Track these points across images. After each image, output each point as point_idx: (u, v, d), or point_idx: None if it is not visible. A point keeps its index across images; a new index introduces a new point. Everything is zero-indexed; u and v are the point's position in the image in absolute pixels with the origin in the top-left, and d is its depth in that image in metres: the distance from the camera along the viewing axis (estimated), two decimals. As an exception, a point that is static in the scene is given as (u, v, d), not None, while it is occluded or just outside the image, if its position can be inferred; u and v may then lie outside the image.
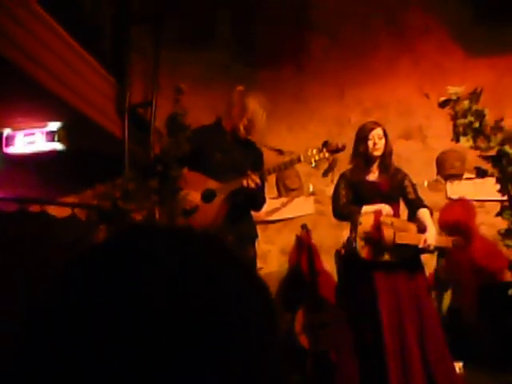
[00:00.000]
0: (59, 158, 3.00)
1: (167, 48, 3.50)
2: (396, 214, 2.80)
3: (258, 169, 2.69)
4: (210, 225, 2.59)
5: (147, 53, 3.17)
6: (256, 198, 2.71)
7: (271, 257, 4.20)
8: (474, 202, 4.02)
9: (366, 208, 2.73)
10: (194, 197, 2.62)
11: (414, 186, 2.84)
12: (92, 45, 2.85)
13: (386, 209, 2.72)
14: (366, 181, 2.84)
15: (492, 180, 2.20)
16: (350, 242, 2.77)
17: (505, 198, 2.13)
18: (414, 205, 2.79)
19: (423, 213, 2.74)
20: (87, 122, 2.75)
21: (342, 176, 2.92)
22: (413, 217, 2.78)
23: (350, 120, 4.39)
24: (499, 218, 2.11)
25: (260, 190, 2.67)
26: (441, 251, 2.97)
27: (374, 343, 2.58)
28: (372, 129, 2.82)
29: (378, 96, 4.37)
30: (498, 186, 1.94)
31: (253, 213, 2.89)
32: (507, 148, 1.87)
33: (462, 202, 3.91)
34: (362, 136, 2.84)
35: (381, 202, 2.75)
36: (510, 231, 1.85)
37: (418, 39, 4.40)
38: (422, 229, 2.67)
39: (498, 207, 2.60)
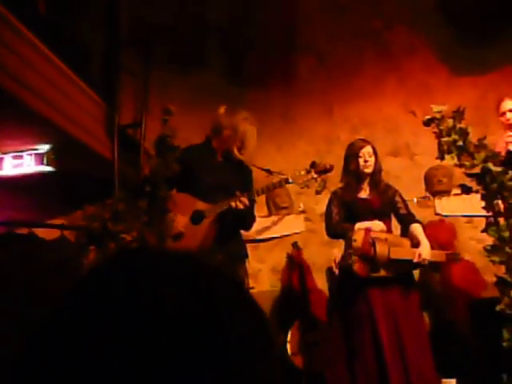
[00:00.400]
0: (48, 180, 2.99)
1: (157, 69, 3.54)
2: (389, 230, 2.83)
3: (248, 188, 2.71)
4: (199, 246, 2.58)
5: (137, 74, 3.20)
6: (245, 218, 2.71)
7: (262, 276, 4.19)
8: (461, 218, 4.06)
9: (359, 225, 2.75)
10: (181, 220, 2.61)
11: (404, 201, 2.88)
12: (81, 67, 2.87)
13: (379, 225, 2.75)
14: (357, 198, 2.87)
15: (477, 196, 2.24)
16: (344, 259, 2.80)
17: (490, 214, 2.16)
18: (406, 220, 2.83)
19: (415, 227, 2.77)
20: (76, 144, 2.76)
21: (334, 194, 2.94)
22: (405, 232, 2.81)
23: (339, 137, 4.44)
24: (481, 230, 2.14)
25: (249, 209, 2.68)
26: (435, 266, 3.00)
27: (375, 360, 2.59)
28: (362, 146, 2.86)
29: (365, 114, 4.44)
30: (483, 203, 1.97)
31: (243, 232, 2.90)
32: (490, 165, 1.91)
33: (442, 221, 3.96)
34: (352, 154, 2.88)
35: (373, 218, 2.78)
36: (495, 247, 1.87)
37: (404, 58, 4.50)
38: (415, 244, 2.70)
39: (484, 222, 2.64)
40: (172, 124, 2.79)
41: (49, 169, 2.83)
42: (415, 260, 2.63)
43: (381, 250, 2.66)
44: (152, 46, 3.31)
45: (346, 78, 4.45)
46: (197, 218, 2.62)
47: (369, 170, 2.84)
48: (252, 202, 2.70)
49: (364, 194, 2.89)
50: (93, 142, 2.89)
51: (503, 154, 2.53)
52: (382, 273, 2.67)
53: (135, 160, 3.05)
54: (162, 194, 2.38)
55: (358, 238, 2.70)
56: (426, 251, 2.64)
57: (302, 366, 3.36)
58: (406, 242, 2.73)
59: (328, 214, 2.92)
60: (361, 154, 2.84)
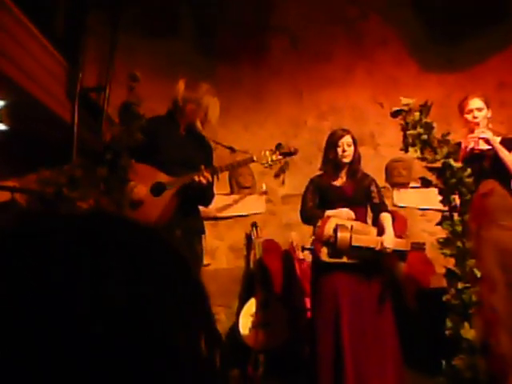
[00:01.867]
0: (1, 139, 2.83)
1: (125, 34, 3.40)
2: (361, 218, 2.90)
3: (209, 165, 2.69)
4: (158, 218, 2.55)
5: (104, 36, 3.05)
6: (205, 194, 2.70)
7: (220, 253, 4.18)
8: (417, 211, 4.20)
9: (328, 212, 2.82)
10: (142, 189, 2.57)
11: (379, 191, 2.97)
12: (44, 22, 2.70)
13: (347, 212, 2.82)
14: (332, 185, 2.94)
15: (435, 190, 2.30)
16: (312, 243, 2.88)
17: (446, 208, 2.23)
18: (377, 209, 2.91)
19: (384, 217, 2.86)
20: (34, 103, 2.61)
21: (312, 181, 3.02)
22: (376, 221, 2.90)
23: (306, 122, 4.45)
24: (439, 227, 2.21)
25: (210, 185, 2.66)
26: (401, 255, 3.09)
27: (335, 343, 2.67)
28: (341, 136, 2.92)
29: (333, 101, 4.46)
30: (441, 197, 2.03)
31: (202, 208, 2.88)
32: (451, 161, 1.96)
33: (395, 212, 4.08)
34: (332, 143, 2.94)
35: (345, 206, 2.85)
36: (448, 240, 1.94)
37: (376, 49, 4.53)
38: (381, 232, 2.78)
39: (438, 216, 2.72)
40: (138, 92, 2.69)
41: (2, 126, 2.67)
42: (377, 248, 2.70)
43: (342, 236, 2.72)
44: (121, 10, 3.17)
45: (318, 63, 4.44)
46: (157, 189, 2.59)
47: (347, 160, 2.91)
48: (213, 178, 2.70)
49: (340, 182, 2.95)
50: (52, 103, 2.75)
51: (467, 151, 2.61)
52: (345, 259, 2.74)
53: (96, 125, 2.93)
54: (123, 163, 2.31)
55: (322, 224, 2.76)
56: (388, 240, 2.73)
57: (252, 344, 3.41)
58: (373, 230, 2.81)
59: (303, 200, 2.99)
60: (340, 144, 2.90)
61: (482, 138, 2.80)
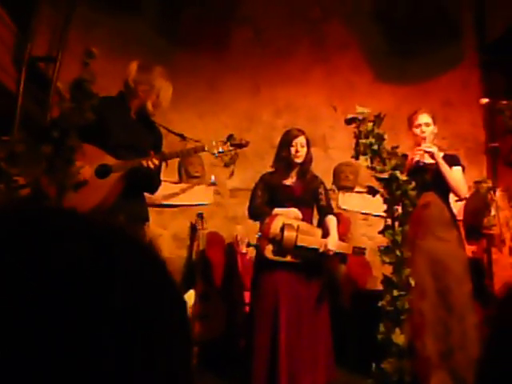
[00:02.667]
0: None
1: (83, 6, 3.23)
2: (308, 219, 2.94)
3: (158, 150, 2.64)
4: (101, 201, 2.47)
5: (60, 6, 2.89)
6: (152, 180, 2.65)
7: (162, 241, 4.12)
8: (359, 215, 4.35)
9: (276, 210, 2.84)
10: (87, 171, 2.47)
11: (327, 193, 3.02)
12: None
13: (295, 212, 2.86)
14: (281, 184, 2.96)
15: (378, 197, 2.39)
16: (258, 240, 2.90)
17: (387, 215, 2.32)
18: (324, 211, 2.97)
19: (329, 219, 2.92)
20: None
21: (262, 178, 3.03)
22: (322, 222, 2.95)
23: (261, 117, 4.46)
24: (379, 232, 2.31)
25: (157, 172, 2.61)
26: (342, 257, 3.18)
27: (271, 338, 2.70)
28: (296, 136, 2.94)
29: (290, 99, 4.50)
30: (385, 207, 2.11)
31: (148, 195, 2.83)
32: (398, 173, 2.04)
33: (339, 214, 4.21)
34: (286, 142, 2.95)
35: (293, 205, 2.88)
36: (388, 249, 2.03)
37: (335, 53, 4.61)
38: (326, 234, 2.84)
39: (379, 222, 2.83)
40: (93, 69, 2.57)
41: None
42: (321, 249, 2.77)
43: (288, 236, 2.75)
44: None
45: (278, 60, 4.46)
46: (103, 172, 2.50)
47: (299, 160, 2.93)
48: (161, 164, 2.65)
49: (290, 181, 2.98)
50: (-4, 70, 2.57)
51: (412, 163, 2.73)
52: (288, 258, 2.78)
53: (44, 99, 2.78)
54: (70, 143, 2.19)
55: (269, 222, 2.78)
56: (332, 242, 2.80)
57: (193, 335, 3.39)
58: (319, 231, 2.86)
59: (252, 196, 3.00)
60: (293, 144, 2.92)
61: (428, 152, 2.94)
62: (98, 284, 0.35)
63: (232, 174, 3.15)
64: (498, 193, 4.18)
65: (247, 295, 3.51)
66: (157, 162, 2.50)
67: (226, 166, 2.86)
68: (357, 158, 2.16)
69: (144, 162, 2.48)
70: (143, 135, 2.66)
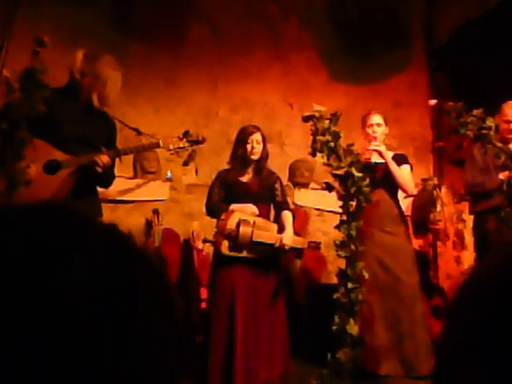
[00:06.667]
0: None
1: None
2: (264, 215, 2.97)
3: (112, 145, 2.57)
4: (50, 198, 2.38)
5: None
6: (105, 176, 2.57)
7: (116, 238, 4.03)
8: (314, 210, 4.45)
9: (233, 206, 2.86)
10: (32, 169, 2.36)
11: (283, 189, 3.07)
12: None
13: (251, 208, 2.89)
14: (238, 181, 2.98)
15: (333, 194, 2.47)
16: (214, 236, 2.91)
17: (341, 211, 2.40)
18: (280, 207, 3.00)
19: (285, 215, 2.96)
20: None
21: (219, 175, 3.04)
22: (278, 218, 3.00)
23: (218, 113, 4.46)
24: (333, 227, 2.39)
25: (111, 167, 2.55)
26: (298, 252, 3.23)
27: (228, 333, 2.72)
28: (252, 133, 2.96)
29: (247, 95, 4.52)
30: (340, 203, 2.18)
31: (101, 190, 2.76)
32: (354, 170, 2.12)
33: (298, 209, 4.30)
34: (242, 139, 2.97)
35: (250, 201, 2.90)
36: (343, 243, 2.10)
37: (291, 51, 4.67)
38: (282, 230, 2.89)
39: (333, 217, 2.91)
40: (43, 58, 2.47)
41: None
42: (277, 245, 2.81)
43: (244, 231, 2.78)
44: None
45: (236, 56, 4.46)
46: (51, 167, 2.40)
47: (255, 157, 2.95)
48: (115, 160, 2.58)
49: (246, 178, 3.00)
50: None
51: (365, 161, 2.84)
52: (244, 253, 2.81)
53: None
54: (20, 136, 2.10)
55: (226, 218, 2.80)
56: (287, 237, 2.85)
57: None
58: (274, 227, 2.91)
59: (209, 193, 3.02)
60: (249, 141, 2.94)
61: (376, 151, 3.08)
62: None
63: (197, 172, 3.14)
64: (443, 190, 4.41)
65: (204, 291, 3.51)
66: (108, 159, 2.42)
67: (186, 164, 2.84)
68: (314, 154, 2.21)
69: (96, 159, 2.40)
70: (95, 129, 2.56)
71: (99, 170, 2.38)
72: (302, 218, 4.20)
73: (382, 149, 3.08)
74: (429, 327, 3.03)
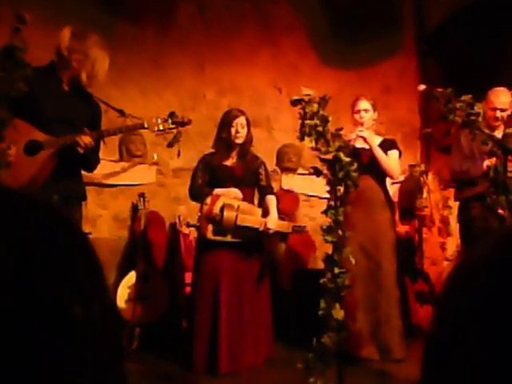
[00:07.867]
0: None
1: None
2: (248, 199, 2.96)
3: (95, 126, 2.51)
4: (31, 180, 2.32)
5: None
6: (89, 158, 2.52)
7: (102, 222, 3.98)
8: (302, 196, 4.44)
9: (217, 190, 2.85)
10: (12, 151, 2.30)
11: (267, 174, 3.07)
12: None
13: (235, 192, 2.87)
14: (222, 165, 2.96)
15: (321, 179, 2.45)
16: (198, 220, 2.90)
17: (328, 196, 2.39)
18: (264, 191, 3.00)
19: (269, 199, 2.97)
20: None
21: (203, 159, 3.02)
22: (262, 202, 2.99)
23: (205, 96, 4.39)
24: (320, 212, 2.38)
25: (95, 149, 2.49)
26: (283, 236, 3.22)
27: (212, 318, 2.72)
28: (236, 116, 2.93)
29: (235, 79, 4.46)
30: (328, 187, 2.17)
31: (86, 173, 2.71)
32: (342, 155, 2.10)
33: (290, 193, 4.30)
34: (226, 122, 2.94)
35: (234, 186, 2.89)
36: (330, 228, 2.10)
37: (281, 35, 4.61)
38: (266, 214, 2.89)
39: (320, 203, 2.90)
40: (24, 36, 2.39)
41: None
42: (261, 228, 2.81)
43: (228, 215, 2.77)
44: None
45: (224, 38, 4.38)
46: (32, 148, 2.35)
47: (239, 141, 2.94)
48: (99, 141, 2.53)
49: (230, 161, 2.98)
50: None
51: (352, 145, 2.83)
52: (229, 237, 2.80)
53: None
54: (0, 116, 2.04)
55: (209, 202, 2.79)
56: (271, 221, 2.85)
57: (129, 318, 3.33)
58: (259, 211, 2.91)
59: (193, 177, 3.00)
60: (234, 124, 2.91)
61: (360, 137, 3.07)
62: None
63: (179, 154, 3.09)
64: (430, 176, 4.43)
65: (189, 276, 3.50)
66: (91, 140, 2.37)
67: (170, 146, 2.79)
68: (302, 139, 2.19)
69: (78, 139, 2.34)
70: (78, 109, 2.51)
71: (80, 150, 2.33)
72: (291, 202, 4.19)
73: (366, 134, 3.07)
74: (401, 313, 3.09)
